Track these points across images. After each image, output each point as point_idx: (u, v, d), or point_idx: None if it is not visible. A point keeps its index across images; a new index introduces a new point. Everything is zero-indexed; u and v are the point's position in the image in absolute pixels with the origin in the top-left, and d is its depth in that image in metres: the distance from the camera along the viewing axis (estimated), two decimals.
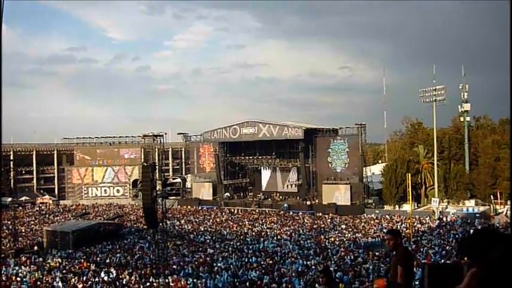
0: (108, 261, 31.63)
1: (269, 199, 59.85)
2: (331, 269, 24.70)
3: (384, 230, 35.88)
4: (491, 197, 49.89)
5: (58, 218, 55.57)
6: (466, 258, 2.76)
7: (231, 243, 36.87)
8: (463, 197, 52.86)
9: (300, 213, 51.72)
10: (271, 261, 28.53)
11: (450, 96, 53.22)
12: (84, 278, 25.95)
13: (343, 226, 43.27)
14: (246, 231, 43.09)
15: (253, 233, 41.58)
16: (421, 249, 30.06)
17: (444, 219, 43.71)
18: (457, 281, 3.07)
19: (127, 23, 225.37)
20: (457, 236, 34.07)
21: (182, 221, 50.09)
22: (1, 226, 37.22)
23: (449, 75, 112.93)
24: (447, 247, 29.84)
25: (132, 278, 25.64)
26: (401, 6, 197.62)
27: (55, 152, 75.33)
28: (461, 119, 57.03)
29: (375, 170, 60.53)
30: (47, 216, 57.03)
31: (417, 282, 8.32)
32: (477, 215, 44.06)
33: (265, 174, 62.74)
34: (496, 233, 2.64)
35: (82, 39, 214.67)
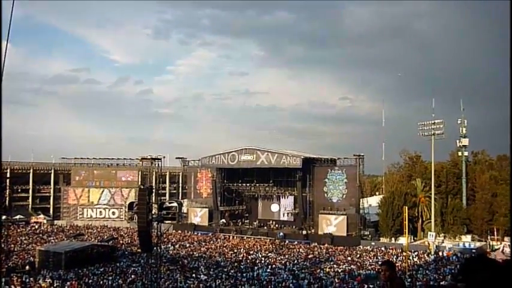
0: (100, 283, 31.27)
1: (265, 227, 59.51)
2: None
3: (379, 263, 35.63)
4: (488, 233, 49.75)
5: (51, 238, 55.08)
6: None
7: (225, 270, 36.55)
8: (459, 232, 52.62)
9: (296, 242, 51.44)
10: None
11: (448, 130, 53.45)
12: None
13: (342, 258, 42.83)
14: (240, 258, 42.74)
15: (248, 261, 41.23)
16: (417, 284, 29.84)
17: (440, 253, 43.44)
18: None
19: (131, 46, 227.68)
20: (452, 271, 33.84)
21: (177, 246, 49.72)
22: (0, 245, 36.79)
23: (448, 110, 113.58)
24: (442, 282, 29.60)
25: None
26: (403, 39, 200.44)
27: (52, 171, 75.13)
28: (459, 153, 57.20)
29: (372, 202, 60.42)
30: (41, 235, 56.54)
31: None
32: (473, 250, 43.85)
33: (262, 202, 62.55)
34: (490, 260, 2.69)
35: (85, 60, 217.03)
